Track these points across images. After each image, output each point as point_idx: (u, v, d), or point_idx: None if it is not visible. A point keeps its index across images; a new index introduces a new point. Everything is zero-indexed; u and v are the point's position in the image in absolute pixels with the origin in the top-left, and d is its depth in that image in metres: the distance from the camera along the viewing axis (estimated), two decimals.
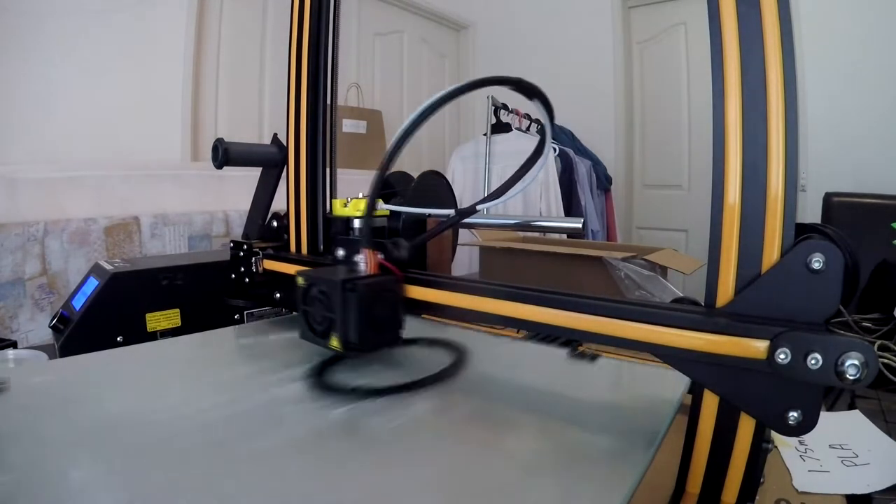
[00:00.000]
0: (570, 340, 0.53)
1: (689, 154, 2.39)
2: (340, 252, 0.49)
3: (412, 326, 0.45)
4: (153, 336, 0.70)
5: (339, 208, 0.63)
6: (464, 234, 1.14)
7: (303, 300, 0.43)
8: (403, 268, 0.44)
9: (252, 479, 0.28)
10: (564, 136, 2.21)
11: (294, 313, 0.65)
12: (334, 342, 0.41)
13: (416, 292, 0.44)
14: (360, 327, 0.39)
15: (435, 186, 0.68)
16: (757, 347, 0.27)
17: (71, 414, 0.35)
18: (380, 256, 0.43)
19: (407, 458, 0.31)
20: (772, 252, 0.29)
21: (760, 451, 0.29)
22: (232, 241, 0.65)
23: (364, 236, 0.44)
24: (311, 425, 0.34)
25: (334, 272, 0.43)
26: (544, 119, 0.44)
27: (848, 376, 0.25)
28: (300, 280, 0.44)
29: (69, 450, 0.30)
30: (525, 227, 0.56)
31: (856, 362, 0.25)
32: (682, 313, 0.30)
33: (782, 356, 0.26)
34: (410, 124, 0.40)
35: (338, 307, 0.40)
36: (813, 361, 0.26)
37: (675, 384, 0.40)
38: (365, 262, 0.43)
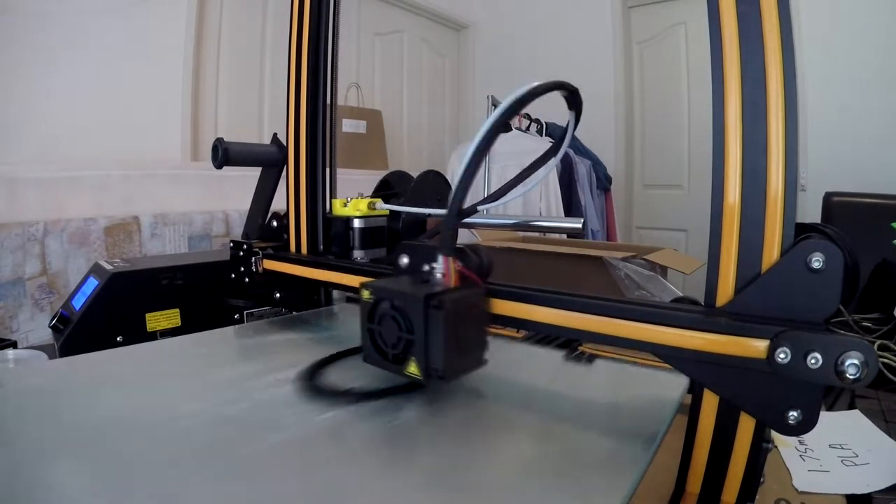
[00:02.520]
0: (570, 341, 0.53)
1: (689, 154, 2.39)
2: (405, 260, 0.41)
3: None
4: (153, 336, 0.70)
5: (338, 208, 0.64)
6: (464, 234, 1.14)
7: (369, 317, 0.37)
8: (485, 278, 0.39)
9: (241, 483, 0.28)
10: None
11: (294, 313, 0.65)
12: (412, 368, 0.35)
13: (502, 307, 0.38)
14: (446, 351, 0.33)
15: (435, 186, 0.68)
16: (757, 347, 0.27)
17: (69, 414, 0.35)
18: (460, 265, 0.37)
19: (406, 458, 0.31)
20: (772, 251, 0.29)
21: (760, 450, 0.30)
22: (232, 241, 0.66)
23: (443, 241, 0.37)
24: (303, 428, 0.33)
25: (410, 285, 0.37)
26: (570, 129, 0.43)
27: (848, 376, 0.25)
28: (366, 293, 0.37)
29: (57, 452, 0.30)
30: (525, 227, 0.56)
31: (856, 362, 0.25)
32: (682, 313, 0.30)
33: (782, 356, 0.26)
34: (482, 140, 0.36)
35: (420, 328, 0.34)
36: (813, 361, 0.26)
37: (674, 384, 0.40)
38: (444, 272, 0.37)
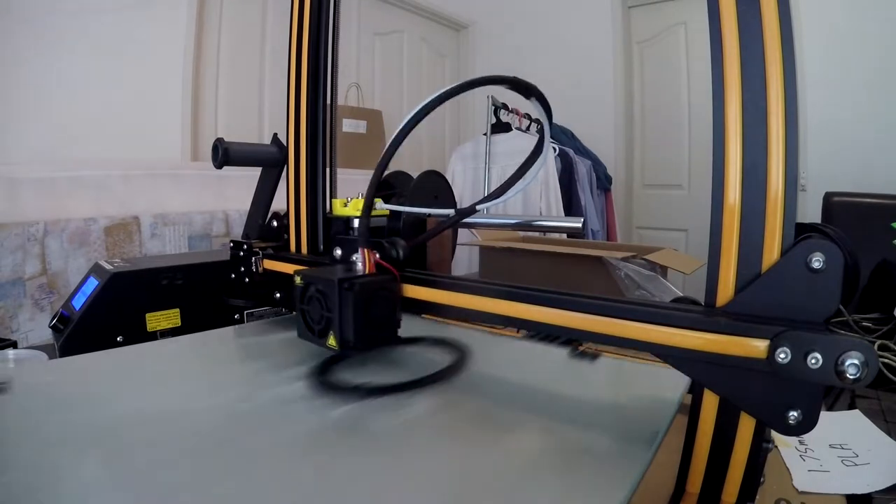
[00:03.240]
0: (571, 339, 0.53)
1: (689, 154, 2.39)
2: (338, 251, 0.49)
3: (414, 326, 0.45)
4: (153, 336, 0.70)
5: (339, 208, 0.63)
6: (464, 234, 1.14)
7: (300, 299, 0.44)
8: (401, 267, 0.45)
9: (253, 477, 0.28)
10: (564, 136, 2.21)
11: (294, 313, 0.65)
12: (331, 341, 0.41)
13: (415, 291, 0.44)
14: (357, 326, 0.40)
15: (435, 186, 0.68)
16: (757, 347, 0.27)
17: (71, 414, 0.35)
18: (376, 256, 0.44)
19: (406, 457, 0.31)
20: (772, 251, 0.29)
21: (760, 450, 0.29)
22: (232, 241, 0.65)
23: (361, 236, 0.44)
24: (313, 424, 0.35)
25: (332, 271, 0.44)
26: (542, 117, 0.44)
27: (848, 376, 0.25)
28: (297, 279, 0.44)
29: (70, 450, 0.30)
30: (525, 226, 0.56)
31: (856, 362, 0.25)
32: (682, 313, 0.30)
33: (782, 356, 0.26)
34: (407, 123, 0.40)
35: (335, 306, 0.40)
36: (813, 361, 0.26)
37: (675, 384, 0.40)
38: (362, 261, 0.43)
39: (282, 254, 0.63)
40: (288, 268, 0.60)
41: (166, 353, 0.51)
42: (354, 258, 0.45)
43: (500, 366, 0.47)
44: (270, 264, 0.62)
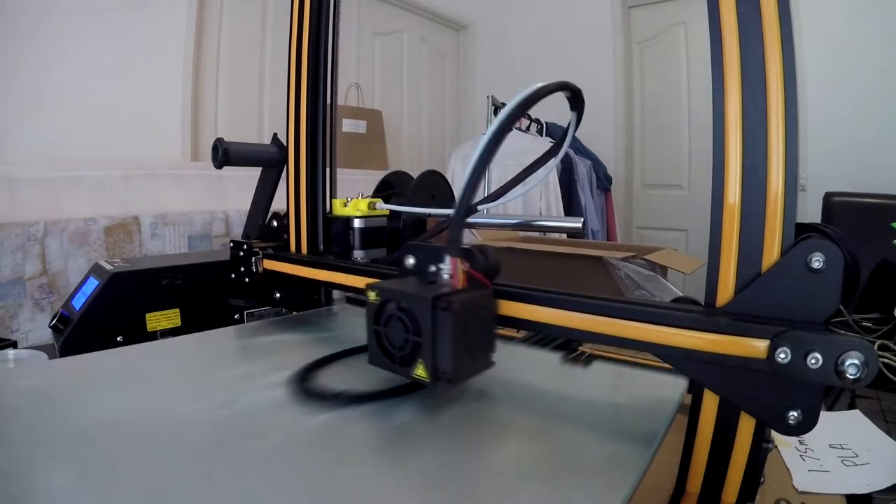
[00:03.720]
0: (569, 341, 0.53)
1: (690, 154, 2.39)
2: (411, 260, 0.40)
3: None
4: (153, 336, 0.70)
5: (338, 208, 0.63)
6: (464, 234, 1.14)
7: (376, 319, 0.36)
8: (492, 279, 0.38)
9: (232, 484, 0.27)
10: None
11: (294, 312, 0.65)
12: (420, 371, 0.34)
13: (509, 308, 0.39)
14: (454, 353, 0.33)
15: (435, 186, 0.68)
16: (757, 347, 0.27)
17: (56, 416, 0.34)
18: (467, 266, 0.36)
19: (398, 465, 0.31)
20: (772, 251, 0.29)
21: (760, 450, 0.29)
22: (232, 241, 0.66)
23: (451, 242, 0.36)
24: (293, 432, 0.33)
25: (417, 286, 0.36)
26: (571, 129, 0.43)
27: (848, 376, 0.25)
28: (372, 294, 0.36)
29: (49, 453, 0.30)
30: (525, 226, 0.56)
31: (856, 362, 0.25)
32: (683, 313, 0.30)
33: (782, 355, 0.26)
34: (494, 138, 0.35)
35: (426, 329, 0.33)
36: (813, 361, 0.26)
37: (674, 384, 0.40)
38: (451, 273, 0.36)
39: (282, 254, 0.63)
40: (288, 268, 0.60)
41: (163, 354, 0.50)
42: (436, 268, 0.37)
43: (499, 367, 0.47)
44: (270, 264, 0.62)
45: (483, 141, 0.35)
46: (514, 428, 0.35)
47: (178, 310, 0.72)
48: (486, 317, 0.36)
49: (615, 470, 0.29)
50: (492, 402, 0.39)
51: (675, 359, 0.31)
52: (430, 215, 0.57)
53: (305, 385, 0.39)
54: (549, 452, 0.31)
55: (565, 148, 0.44)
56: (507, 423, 0.36)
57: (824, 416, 0.30)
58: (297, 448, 0.31)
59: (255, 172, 0.75)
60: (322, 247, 0.63)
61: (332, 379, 0.41)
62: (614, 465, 0.29)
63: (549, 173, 1.87)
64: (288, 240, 0.65)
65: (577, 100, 0.41)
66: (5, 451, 0.30)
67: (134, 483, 0.27)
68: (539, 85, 0.36)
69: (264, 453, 0.30)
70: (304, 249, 0.63)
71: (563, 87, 0.39)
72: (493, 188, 0.49)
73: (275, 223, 0.69)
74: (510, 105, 0.36)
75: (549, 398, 0.41)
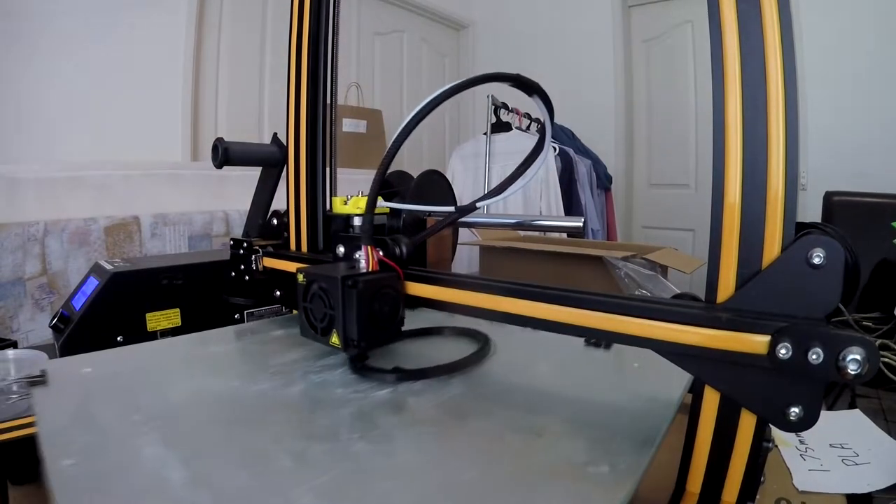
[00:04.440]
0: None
1: (696, 153, 2.39)
2: (341, 249, 0.49)
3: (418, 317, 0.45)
4: (153, 336, 0.70)
5: (339, 206, 0.63)
6: (464, 234, 1.14)
7: (303, 297, 0.43)
8: (404, 265, 0.44)
9: (308, 455, 0.30)
10: (564, 136, 2.21)
11: (294, 311, 0.65)
12: (335, 339, 0.41)
13: (417, 289, 0.44)
14: (360, 324, 0.39)
15: (435, 185, 0.68)
16: (758, 342, 0.27)
17: (118, 401, 0.37)
18: (380, 253, 0.43)
19: (402, 454, 0.32)
20: (772, 248, 0.29)
21: (761, 450, 0.29)
22: (232, 239, 0.66)
23: (364, 233, 0.44)
24: (359, 405, 0.37)
25: (334, 269, 0.43)
26: (544, 115, 0.44)
27: (849, 371, 0.25)
28: (300, 277, 0.43)
29: (125, 433, 0.32)
30: (525, 226, 0.56)
31: (857, 357, 0.25)
32: (683, 309, 0.30)
33: (783, 351, 0.26)
34: (410, 120, 0.40)
35: (338, 304, 0.40)
36: (814, 356, 0.26)
37: (674, 384, 0.40)
38: (365, 258, 0.43)
39: (282, 252, 0.63)
40: (288, 266, 0.60)
41: (205, 344, 0.53)
42: (357, 256, 0.44)
43: (500, 363, 0.47)
44: (270, 262, 0.62)
45: (407, 119, 0.40)
46: (514, 427, 0.35)
47: (178, 309, 0.72)
48: (393, 294, 0.42)
49: (615, 470, 0.29)
50: (493, 400, 0.39)
51: (676, 355, 0.31)
52: (429, 214, 0.57)
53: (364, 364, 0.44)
54: (550, 452, 0.31)
55: (549, 138, 0.45)
56: (507, 422, 0.36)
57: (824, 415, 0.30)
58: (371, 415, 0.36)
59: (256, 172, 0.75)
60: (322, 245, 0.63)
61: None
62: (614, 465, 0.29)
63: (549, 172, 1.88)
64: (288, 238, 0.65)
65: (526, 87, 0.43)
66: (69, 435, 0.32)
67: (208, 454, 0.30)
68: (476, 76, 0.41)
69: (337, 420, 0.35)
70: (304, 247, 0.63)
71: (503, 77, 0.42)
72: (493, 187, 0.49)
73: (275, 221, 0.69)
74: (438, 92, 0.40)
75: (549, 398, 0.41)
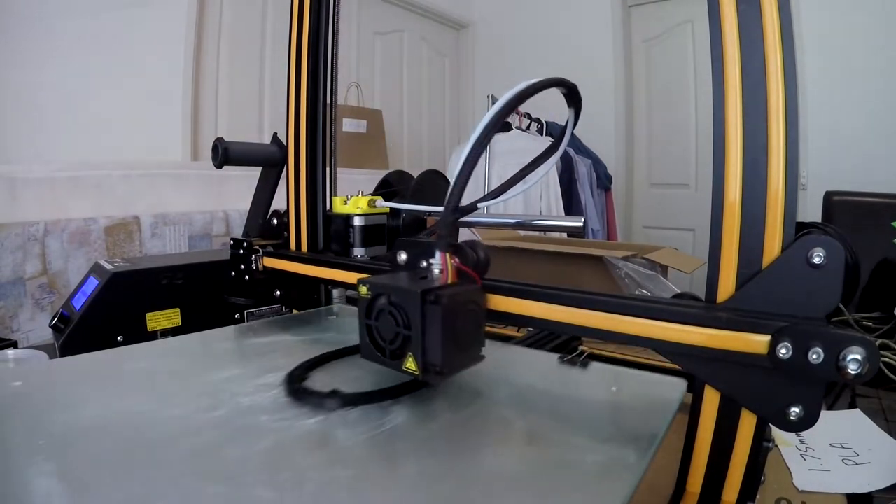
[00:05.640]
0: (568, 341, 0.53)
1: (697, 153, 2.39)
2: (403, 256, 0.41)
3: None
4: (153, 336, 0.70)
5: (339, 206, 0.63)
6: (464, 234, 1.14)
7: (367, 313, 0.37)
8: (482, 274, 0.39)
9: (218, 487, 0.27)
10: None
11: (294, 311, 0.65)
12: (410, 364, 0.35)
13: (499, 303, 0.39)
14: (444, 346, 0.33)
15: (435, 185, 0.68)
16: (758, 342, 0.27)
17: (45, 418, 0.34)
18: (457, 261, 0.37)
19: (393, 468, 0.31)
20: (772, 247, 0.29)
21: (761, 449, 0.29)
22: (232, 239, 0.66)
23: (441, 238, 0.37)
24: (285, 435, 0.32)
25: (408, 280, 0.37)
26: (569, 126, 0.43)
27: (849, 371, 0.25)
28: (363, 289, 0.37)
29: (36, 455, 0.29)
30: (525, 226, 0.56)
31: (857, 357, 0.25)
32: (683, 309, 0.30)
33: (783, 351, 0.26)
34: (483, 132, 0.36)
35: (416, 323, 0.34)
36: (814, 356, 0.26)
37: (675, 384, 0.40)
38: (443, 268, 0.37)
39: (282, 251, 0.63)
40: (287, 265, 0.60)
41: (158, 354, 0.49)
42: (427, 264, 0.38)
43: (497, 366, 0.47)
44: (270, 262, 0.62)
45: (475, 134, 0.36)
46: (514, 428, 0.35)
47: (178, 309, 0.72)
48: (475, 311, 0.36)
49: (615, 470, 0.29)
50: (490, 403, 0.39)
51: (677, 355, 0.31)
52: (430, 214, 0.57)
53: (296, 387, 0.38)
54: (549, 453, 0.31)
55: (564, 145, 0.44)
56: (507, 423, 0.36)
57: (825, 415, 0.30)
58: (290, 450, 0.30)
59: (256, 172, 0.75)
60: (322, 244, 0.63)
61: (325, 380, 0.40)
62: (614, 465, 0.29)
63: (549, 172, 1.88)
64: (288, 238, 0.65)
65: (573, 96, 0.41)
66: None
67: (116, 488, 0.26)
68: (533, 80, 0.37)
69: (254, 457, 0.29)
70: (304, 247, 0.63)
71: (559, 83, 0.40)
72: (493, 187, 0.48)
73: (275, 221, 0.69)
74: (504, 99, 0.36)
75: (549, 399, 0.41)
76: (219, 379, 0.41)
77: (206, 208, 1.27)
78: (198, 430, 0.33)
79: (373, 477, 0.29)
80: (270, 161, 0.72)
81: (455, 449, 0.32)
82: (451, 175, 0.43)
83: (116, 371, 0.44)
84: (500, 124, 0.36)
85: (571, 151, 2.03)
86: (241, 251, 0.64)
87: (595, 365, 0.46)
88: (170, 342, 0.52)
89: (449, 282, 0.36)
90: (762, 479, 0.31)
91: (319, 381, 0.40)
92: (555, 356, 0.48)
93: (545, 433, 0.34)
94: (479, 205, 0.46)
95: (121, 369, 0.44)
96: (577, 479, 0.28)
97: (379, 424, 0.34)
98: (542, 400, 0.40)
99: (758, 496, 0.30)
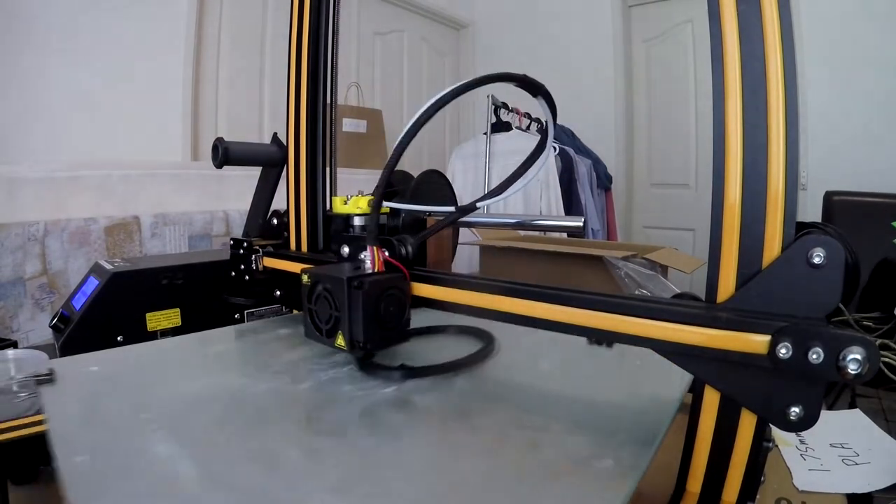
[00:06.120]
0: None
1: (697, 153, 2.39)
2: (345, 249, 0.48)
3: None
4: (153, 336, 0.70)
5: (339, 206, 0.63)
6: (464, 234, 1.14)
7: (308, 298, 0.43)
8: (409, 265, 0.44)
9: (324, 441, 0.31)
10: (564, 136, 2.21)
11: (295, 311, 0.65)
12: (340, 341, 0.40)
13: (422, 289, 0.44)
14: (366, 326, 0.39)
15: (435, 185, 0.68)
16: (758, 342, 0.27)
17: (126, 399, 0.38)
18: (385, 253, 0.43)
19: (402, 454, 0.31)
20: (772, 247, 0.29)
21: (761, 449, 0.29)
22: (232, 239, 0.66)
23: (369, 233, 0.43)
24: (371, 400, 0.38)
25: (340, 269, 0.43)
26: (547, 116, 0.44)
27: (849, 371, 0.25)
28: (305, 278, 0.43)
29: (135, 431, 0.32)
30: (525, 226, 0.56)
31: (857, 357, 0.25)
32: (683, 309, 0.30)
33: (783, 351, 0.26)
34: (415, 122, 0.40)
35: (343, 305, 0.39)
36: (814, 356, 0.26)
37: (675, 383, 0.40)
38: (370, 259, 0.42)
39: (282, 251, 0.63)
40: (288, 265, 0.60)
41: (213, 342, 0.53)
42: (363, 256, 0.44)
43: (504, 361, 0.47)
44: (270, 262, 0.62)
45: (410, 123, 0.40)
46: (514, 426, 0.35)
47: (178, 309, 0.72)
48: (399, 296, 0.42)
49: (615, 470, 0.29)
50: (493, 400, 0.39)
51: (676, 355, 0.31)
52: (429, 213, 0.57)
53: (369, 362, 0.44)
54: (550, 452, 0.31)
55: (550, 138, 0.45)
56: (508, 421, 0.36)
57: (825, 415, 0.30)
58: (379, 412, 0.36)
59: (256, 172, 0.75)
60: (322, 244, 0.63)
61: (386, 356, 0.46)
62: (614, 465, 0.29)
63: (549, 172, 1.87)
64: (288, 238, 0.65)
65: (531, 88, 0.43)
66: (78, 432, 0.32)
67: (240, 445, 0.31)
68: (482, 75, 0.41)
69: (351, 417, 0.35)
70: (304, 247, 0.63)
71: (508, 78, 0.42)
72: (494, 187, 0.49)
73: (275, 221, 0.69)
74: (444, 92, 0.40)
75: (551, 397, 0.41)
76: (291, 359, 0.46)
77: (206, 208, 1.27)
78: (294, 399, 0.38)
79: (453, 429, 0.35)
80: (270, 161, 0.72)
81: (459, 441, 0.35)
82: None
83: (190, 355, 0.50)
84: (433, 112, 0.41)
85: (571, 151, 2.03)
86: (241, 251, 0.64)
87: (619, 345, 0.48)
88: (227, 331, 0.57)
89: (375, 271, 0.42)
90: (762, 479, 0.31)
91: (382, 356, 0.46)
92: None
93: (548, 430, 0.34)
94: (478, 204, 0.46)
95: (190, 354, 0.50)
96: (578, 478, 0.28)
97: (447, 390, 0.40)
98: (545, 398, 0.41)
99: (758, 496, 0.30)
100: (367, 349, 0.40)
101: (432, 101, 0.40)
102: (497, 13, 2.74)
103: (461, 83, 0.40)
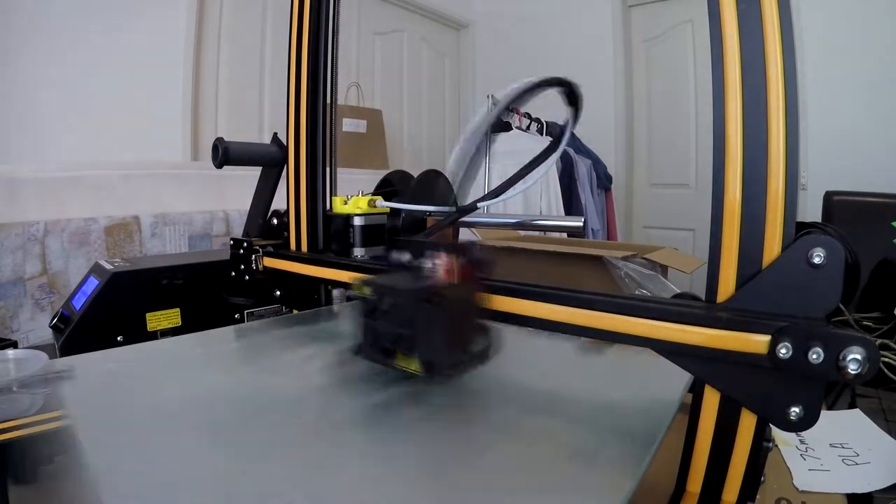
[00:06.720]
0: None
1: (697, 153, 2.38)
2: (405, 255, 0.40)
3: None
4: (153, 336, 0.70)
5: (339, 206, 0.63)
6: (464, 234, 1.14)
7: (367, 312, 0.36)
8: (483, 275, 0.39)
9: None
10: None
11: (295, 311, 0.65)
12: (412, 365, 0.34)
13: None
14: (444, 346, 0.33)
15: (435, 185, 0.68)
16: (758, 342, 0.27)
17: (145, 396, 0.38)
18: (460, 261, 0.37)
19: (394, 454, 0.31)
20: (773, 247, 0.29)
21: (761, 449, 0.29)
22: (232, 239, 0.66)
23: (443, 237, 0.39)
24: (388, 394, 0.37)
25: (409, 280, 0.36)
26: (568, 126, 0.43)
27: (849, 371, 0.25)
28: (364, 290, 0.36)
29: (158, 425, 0.33)
30: (525, 226, 0.56)
31: (857, 357, 0.25)
32: (683, 309, 0.30)
33: (783, 351, 0.26)
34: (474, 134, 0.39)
35: (419, 323, 0.33)
36: (814, 356, 0.26)
37: (675, 383, 0.40)
38: (445, 268, 0.36)
39: (281, 251, 0.63)
40: (287, 265, 0.60)
41: (216, 341, 0.54)
42: (427, 264, 0.38)
43: (503, 363, 0.47)
44: (270, 262, 0.62)
45: (471, 136, 0.37)
46: (515, 426, 0.35)
47: (178, 309, 0.72)
48: (476, 310, 0.37)
49: (615, 470, 0.29)
50: (494, 399, 0.39)
51: (677, 355, 0.31)
52: (430, 213, 0.57)
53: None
54: (550, 452, 0.31)
55: (563, 144, 0.44)
56: (508, 421, 0.36)
57: (825, 415, 0.30)
58: (397, 404, 0.36)
59: (256, 172, 0.75)
60: (322, 244, 0.63)
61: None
62: (614, 465, 0.29)
63: (549, 172, 1.87)
64: (288, 238, 0.65)
65: (572, 95, 0.42)
66: (91, 431, 0.32)
67: (261, 437, 0.31)
68: (532, 79, 0.37)
69: (369, 409, 0.35)
70: (304, 247, 0.63)
71: (557, 82, 0.40)
72: (493, 187, 0.49)
73: (275, 221, 0.69)
74: (503, 97, 0.37)
75: (551, 397, 0.41)
76: (301, 357, 0.46)
77: (206, 208, 1.27)
78: (309, 392, 0.38)
79: (452, 428, 0.34)
80: (270, 161, 0.72)
81: (454, 439, 0.34)
82: (451, 175, 0.43)
83: (197, 353, 0.50)
84: (495, 123, 0.38)
85: (571, 151, 2.03)
86: (241, 251, 0.64)
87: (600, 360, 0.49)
88: (214, 333, 0.56)
89: (450, 282, 0.36)
90: (762, 479, 0.31)
91: None
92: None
93: (548, 430, 0.34)
94: (479, 204, 0.46)
95: (198, 352, 0.50)
96: (578, 478, 0.28)
97: (447, 389, 0.38)
98: (545, 397, 0.41)
99: (758, 496, 0.30)
100: (444, 374, 0.35)
101: (487, 114, 0.38)
102: (497, 13, 2.74)
103: (516, 87, 0.38)
